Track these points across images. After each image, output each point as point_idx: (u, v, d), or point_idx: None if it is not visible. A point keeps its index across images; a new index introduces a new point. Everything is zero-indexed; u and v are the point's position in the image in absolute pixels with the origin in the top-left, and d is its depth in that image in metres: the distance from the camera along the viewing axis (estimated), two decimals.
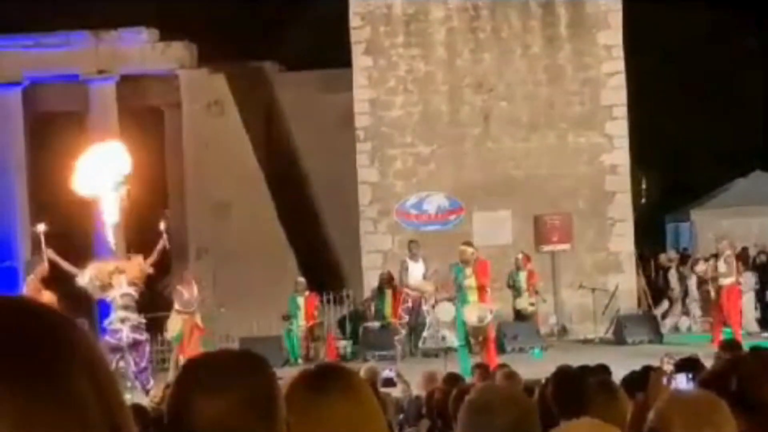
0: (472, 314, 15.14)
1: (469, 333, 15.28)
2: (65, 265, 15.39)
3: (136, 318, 15.01)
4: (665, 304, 21.14)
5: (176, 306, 17.27)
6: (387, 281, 19.53)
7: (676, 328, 20.62)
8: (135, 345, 14.88)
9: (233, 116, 24.88)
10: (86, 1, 25.10)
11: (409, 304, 17.13)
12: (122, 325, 14.80)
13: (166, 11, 24.82)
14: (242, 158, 24.79)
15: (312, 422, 2.35)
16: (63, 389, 1.16)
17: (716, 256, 17.94)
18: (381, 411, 2.53)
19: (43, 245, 15.35)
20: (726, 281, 17.07)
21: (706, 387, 2.98)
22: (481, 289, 15.25)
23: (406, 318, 17.52)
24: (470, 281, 15.22)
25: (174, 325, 17.22)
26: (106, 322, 15.24)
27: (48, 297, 15.00)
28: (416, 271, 17.62)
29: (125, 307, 14.82)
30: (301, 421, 2.32)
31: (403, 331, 17.30)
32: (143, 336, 15.18)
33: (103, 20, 24.02)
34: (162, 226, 15.74)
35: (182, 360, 16.97)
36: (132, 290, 14.91)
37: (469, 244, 15.78)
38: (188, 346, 17.06)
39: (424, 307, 16.97)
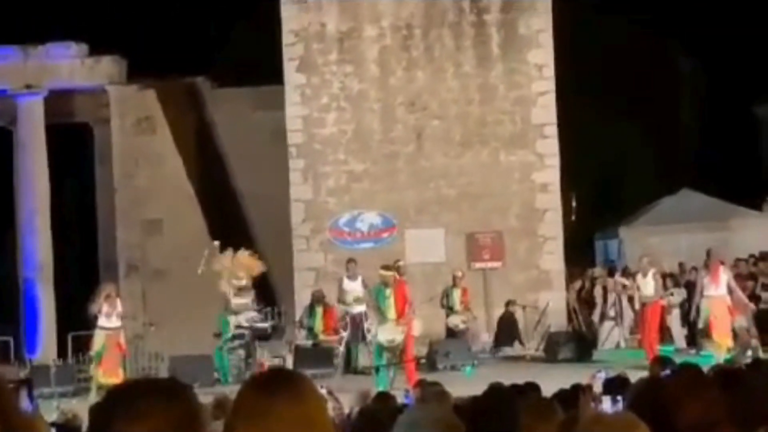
0: (383, 334, 15.78)
1: (384, 351, 15.78)
2: None
3: None
4: (607, 324, 21.15)
5: (99, 322, 17.06)
6: (319, 299, 19.45)
7: (617, 345, 20.77)
8: None
9: (164, 133, 24.66)
10: (14, 14, 24.74)
11: (347, 321, 17.08)
12: None
13: (96, 26, 24.57)
14: (173, 175, 24.57)
15: (260, 424, 2.43)
16: None
17: (636, 273, 18.08)
18: (329, 416, 2.61)
19: None
20: (649, 298, 17.22)
21: (632, 408, 2.99)
22: (399, 310, 15.81)
23: (344, 334, 17.45)
24: (390, 301, 15.86)
25: (97, 341, 17.02)
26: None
27: None
28: (353, 288, 17.54)
29: None
30: (250, 424, 2.42)
31: (341, 348, 17.22)
32: None
33: (32, 34, 23.68)
34: None
35: (101, 376, 16.77)
36: None
37: (387, 267, 16.29)
38: (108, 361, 16.85)
39: (366, 325, 16.97)
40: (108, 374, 16.87)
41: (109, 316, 17.03)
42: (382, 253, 19.71)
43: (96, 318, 16.99)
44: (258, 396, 2.48)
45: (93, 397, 15.87)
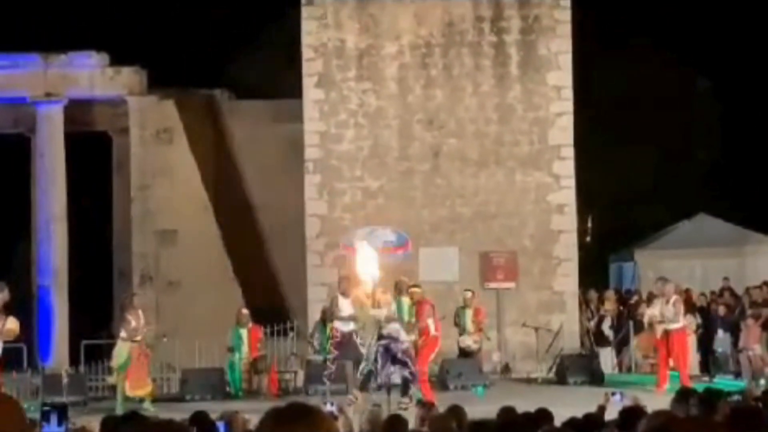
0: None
1: None
2: None
3: None
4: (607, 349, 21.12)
5: (123, 334, 17.05)
6: (329, 315, 19.39)
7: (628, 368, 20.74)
8: None
9: (182, 144, 24.74)
10: (36, 23, 24.92)
11: (339, 339, 17.04)
12: None
13: (117, 36, 24.70)
14: (190, 186, 24.64)
15: None
16: None
17: (655, 296, 18.03)
18: None
19: None
20: (674, 325, 17.09)
21: None
22: (421, 329, 16.20)
23: (336, 353, 17.41)
24: (411, 319, 16.23)
25: (120, 352, 16.98)
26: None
27: (11, 323, 14.86)
28: (346, 306, 17.50)
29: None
30: None
31: (333, 367, 17.19)
32: None
33: (53, 43, 23.82)
34: None
35: (129, 389, 16.77)
36: None
37: (417, 286, 16.81)
38: (135, 372, 16.88)
39: (358, 341, 16.90)
40: (136, 386, 16.85)
41: (136, 330, 17.08)
42: (395, 270, 19.69)
43: (133, 332, 16.96)
44: (269, 429, 2.61)
45: (119, 410, 15.68)
